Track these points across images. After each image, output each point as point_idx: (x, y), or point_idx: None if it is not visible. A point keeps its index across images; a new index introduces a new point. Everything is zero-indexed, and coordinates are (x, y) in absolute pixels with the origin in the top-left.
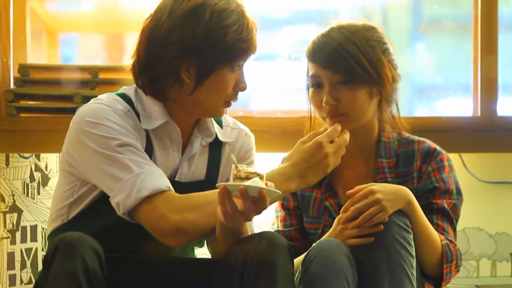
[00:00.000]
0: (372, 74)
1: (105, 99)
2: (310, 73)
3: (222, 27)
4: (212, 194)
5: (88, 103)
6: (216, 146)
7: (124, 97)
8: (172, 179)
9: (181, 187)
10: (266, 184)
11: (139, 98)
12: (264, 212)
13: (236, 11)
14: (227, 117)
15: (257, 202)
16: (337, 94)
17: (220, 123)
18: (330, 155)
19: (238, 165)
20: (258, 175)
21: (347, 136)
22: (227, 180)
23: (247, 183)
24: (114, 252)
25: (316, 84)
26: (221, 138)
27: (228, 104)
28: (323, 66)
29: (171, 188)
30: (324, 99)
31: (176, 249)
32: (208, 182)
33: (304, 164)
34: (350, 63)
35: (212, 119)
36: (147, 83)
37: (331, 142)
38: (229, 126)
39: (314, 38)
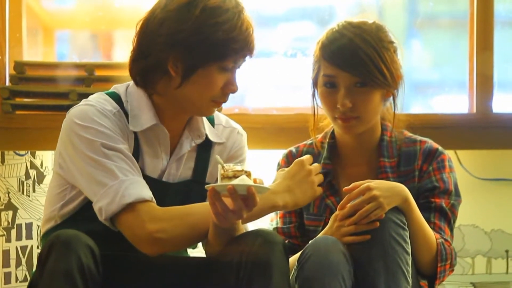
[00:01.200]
0: (388, 78)
1: (94, 100)
2: (325, 73)
3: (212, 24)
4: (193, 207)
5: (78, 104)
6: (205, 147)
7: (114, 96)
8: (159, 180)
9: (168, 187)
10: (255, 181)
11: (129, 97)
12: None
13: (232, 10)
14: (220, 115)
15: (247, 200)
16: (353, 96)
17: (212, 122)
18: (313, 172)
19: (225, 165)
20: (246, 172)
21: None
22: (216, 180)
23: (235, 181)
24: (109, 253)
25: (330, 84)
26: (211, 138)
27: (216, 104)
28: (341, 68)
29: (154, 200)
30: (340, 101)
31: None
32: (196, 181)
33: (290, 180)
34: (370, 67)
35: (204, 118)
36: (137, 73)
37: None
38: (221, 125)
39: (328, 36)
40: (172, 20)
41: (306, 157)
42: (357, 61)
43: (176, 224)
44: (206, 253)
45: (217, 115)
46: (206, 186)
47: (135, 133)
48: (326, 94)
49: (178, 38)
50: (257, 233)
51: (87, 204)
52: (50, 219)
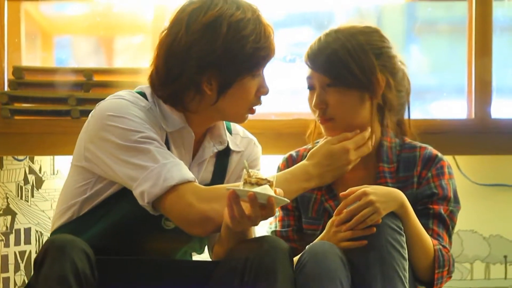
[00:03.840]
0: (361, 79)
1: (126, 95)
2: (306, 76)
3: (240, 38)
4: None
5: (107, 98)
6: (224, 154)
7: (143, 95)
8: None
9: None
10: (275, 192)
11: (156, 99)
12: None
13: (252, 19)
14: (236, 125)
15: (265, 209)
16: (326, 97)
17: (229, 131)
18: (352, 162)
19: (250, 170)
20: (269, 181)
21: (370, 143)
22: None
23: (257, 189)
24: (119, 251)
25: (310, 86)
26: (232, 147)
27: (252, 110)
28: (313, 68)
29: (196, 180)
30: (314, 102)
31: (178, 252)
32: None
33: (327, 166)
34: (337, 66)
35: (225, 127)
36: (167, 96)
37: (356, 149)
38: (239, 135)
39: (311, 42)
40: (200, 42)
41: (354, 141)
42: (326, 61)
43: (224, 204)
44: (212, 258)
45: (234, 125)
46: (227, 187)
47: (166, 132)
48: (308, 96)
49: (210, 59)
50: (263, 238)
51: (110, 199)
52: (66, 213)
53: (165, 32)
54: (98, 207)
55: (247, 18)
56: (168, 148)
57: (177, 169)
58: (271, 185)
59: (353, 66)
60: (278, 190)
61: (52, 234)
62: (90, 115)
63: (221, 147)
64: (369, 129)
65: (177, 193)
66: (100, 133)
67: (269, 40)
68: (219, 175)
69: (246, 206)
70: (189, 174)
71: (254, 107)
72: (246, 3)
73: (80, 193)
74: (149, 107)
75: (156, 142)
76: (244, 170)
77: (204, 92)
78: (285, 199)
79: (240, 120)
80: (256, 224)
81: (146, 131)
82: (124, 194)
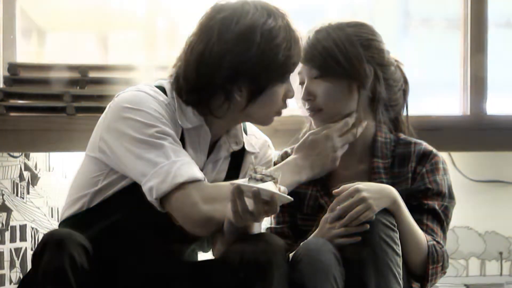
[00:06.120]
0: (347, 68)
1: (146, 88)
2: (297, 72)
3: (273, 47)
4: None
5: (127, 89)
6: (239, 154)
7: (163, 90)
8: None
9: None
10: (279, 189)
11: (175, 95)
12: None
13: (283, 26)
14: (252, 126)
15: (268, 205)
16: (314, 88)
17: (245, 131)
18: (339, 149)
19: (256, 167)
20: (273, 179)
21: (355, 130)
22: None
23: (261, 185)
24: (128, 247)
25: (300, 81)
26: (247, 147)
27: (280, 113)
28: (303, 62)
29: (205, 179)
30: (302, 94)
31: (186, 250)
32: None
33: (315, 156)
34: (325, 58)
35: (242, 127)
36: (195, 101)
37: (341, 135)
38: (254, 136)
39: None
40: (234, 51)
41: (337, 128)
42: (314, 54)
43: (227, 204)
44: (214, 255)
45: (249, 125)
46: (230, 182)
47: (181, 127)
48: (300, 91)
49: (243, 68)
50: (260, 236)
51: (120, 193)
52: (76, 204)
53: (193, 38)
54: (108, 200)
55: (278, 25)
56: (183, 145)
57: (187, 167)
58: (275, 182)
59: (339, 56)
60: (282, 188)
61: (61, 223)
62: (108, 105)
63: (236, 147)
64: (354, 116)
65: (184, 191)
66: (116, 125)
67: (298, 45)
68: (232, 175)
69: (249, 202)
70: (198, 173)
71: (282, 111)
72: (275, 9)
73: (92, 184)
74: (168, 102)
75: (170, 138)
76: (250, 165)
77: (234, 99)
78: (289, 197)
79: (267, 123)
80: (258, 221)
81: (162, 126)
82: (135, 188)
